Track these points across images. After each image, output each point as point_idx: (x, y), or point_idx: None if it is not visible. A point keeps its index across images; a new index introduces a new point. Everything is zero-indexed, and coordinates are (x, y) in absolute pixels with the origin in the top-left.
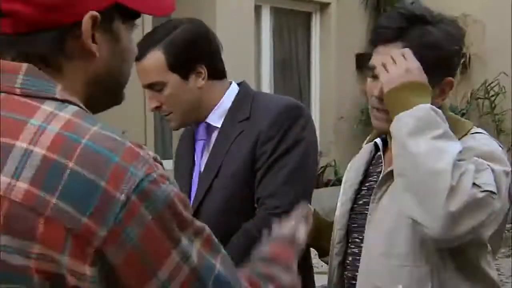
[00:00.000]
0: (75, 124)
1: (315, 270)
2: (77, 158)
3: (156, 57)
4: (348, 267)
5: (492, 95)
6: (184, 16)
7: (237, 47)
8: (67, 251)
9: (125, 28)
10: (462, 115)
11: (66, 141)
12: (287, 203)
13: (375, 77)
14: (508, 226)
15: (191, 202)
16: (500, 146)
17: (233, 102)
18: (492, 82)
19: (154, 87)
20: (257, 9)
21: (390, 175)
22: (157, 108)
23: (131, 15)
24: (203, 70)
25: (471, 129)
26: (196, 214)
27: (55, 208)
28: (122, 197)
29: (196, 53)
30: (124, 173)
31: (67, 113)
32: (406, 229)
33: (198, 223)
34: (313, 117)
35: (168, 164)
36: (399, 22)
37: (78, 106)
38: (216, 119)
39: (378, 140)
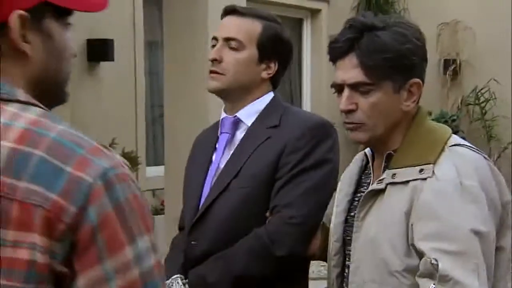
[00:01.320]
0: (42, 122)
1: (314, 276)
2: (44, 148)
3: (255, 25)
4: (345, 279)
5: (483, 102)
6: (176, 22)
7: None
8: (38, 228)
9: (59, 26)
10: (453, 121)
11: (33, 134)
12: (303, 215)
13: (339, 92)
14: None
15: (205, 197)
16: (483, 156)
17: (265, 107)
18: (482, 89)
19: (232, 43)
20: None
21: (372, 194)
22: (216, 61)
23: (64, 13)
24: (273, 67)
25: (449, 138)
26: (209, 209)
27: (24, 191)
28: (89, 178)
29: (280, 50)
30: (90, 162)
31: (32, 113)
32: (386, 257)
33: (155, 242)
34: None
35: (159, 170)
36: (349, 34)
37: (41, 107)
38: (245, 116)
39: (367, 151)
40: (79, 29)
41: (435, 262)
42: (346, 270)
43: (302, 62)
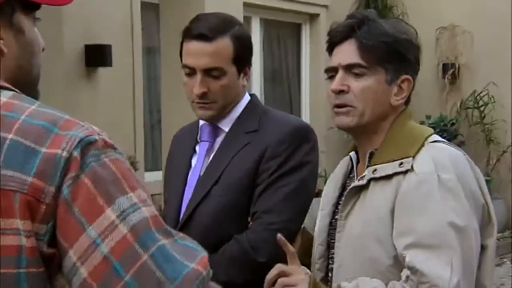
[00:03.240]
0: (12, 104)
1: None
2: (16, 131)
3: (226, 44)
4: (329, 283)
5: (482, 105)
6: (173, 28)
7: None
8: (18, 213)
9: (28, 21)
10: (452, 125)
11: (4, 119)
12: (283, 220)
13: (331, 77)
14: (498, 235)
15: (185, 204)
16: (463, 153)
17: (243, 111)
18: (481, 92)
19: (213, 72)
20: (247, 20)
21: (355, 190)
22: (204, 94)
23: (32, 7)
24: (249, 71)
25: (429, 135)
26: (190, 217)
27: (1, 178)
28: (64, 153)
29: (250, 53)
30: (64, 137)
31: (4, 97)
32: (374, 255)
33: (145, 196)
34: None
35: (158, 175)
36: (350, 21)
37: (13, 90)
38: (224, 123)
39: (352, 154)
40: (77, 34)
41: (404, 256)
42: (330, 274)
43: (300, 67)
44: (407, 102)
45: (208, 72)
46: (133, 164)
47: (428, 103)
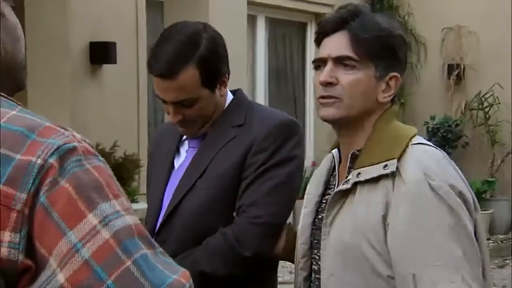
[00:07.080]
0: None
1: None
2: None
3: (190, 74)
4: (312, 284)
5: (486, 106)
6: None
7: (230, 56)
8: None
9: (7, 5)
10: (457, 126)
11: None
12: (268, 214)
13: (317, 67)
14: (501, 237)
15: (168, 201)
16: (443, 153)
17: (226, 107)
18: (486, 93)
19: (184, 102)
20: (253, 19)
21: (339, 195)
22: (180, 121)
23: None
24: (226, 79)
25: (413, 136)
26: (174, 211)
27: None
28: (39, 161)
29: (222, 63)
30: (41, 144)
31: None
32: (372, 263)
33: (128, 205)
34: (307, 127)
35: None
36: (342, 14)
37: None
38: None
39: (334, 152)
40: (82, 31)
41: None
42: (313, 275)
43: (305, 66)
44: (392, 100)
45: (179, 102)
46: (136, 161)
47: (433, 103)
